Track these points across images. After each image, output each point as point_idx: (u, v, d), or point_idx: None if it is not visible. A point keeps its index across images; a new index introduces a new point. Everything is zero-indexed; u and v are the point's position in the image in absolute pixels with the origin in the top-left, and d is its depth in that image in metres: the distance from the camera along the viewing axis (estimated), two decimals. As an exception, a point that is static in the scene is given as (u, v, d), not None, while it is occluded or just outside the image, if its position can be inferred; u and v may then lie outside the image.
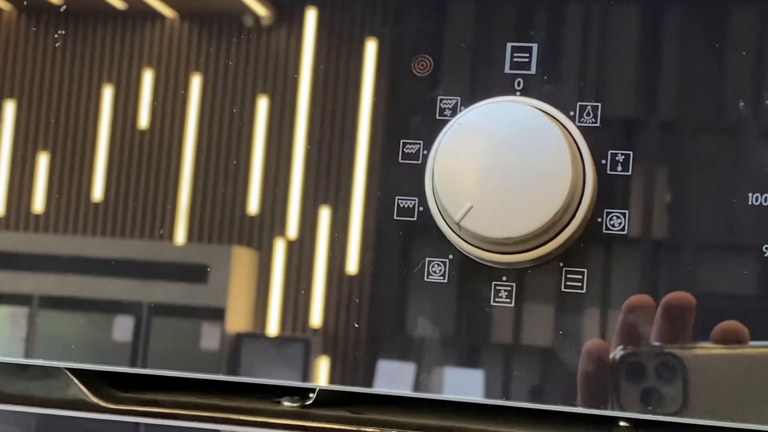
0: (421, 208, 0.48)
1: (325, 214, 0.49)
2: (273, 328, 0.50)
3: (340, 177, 0.49)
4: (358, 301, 0.49)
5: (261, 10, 0.52)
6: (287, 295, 0.50)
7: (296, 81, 0.50)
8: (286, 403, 0.50)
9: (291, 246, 0.50)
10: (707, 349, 0.45)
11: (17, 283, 0.53)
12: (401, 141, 0.48)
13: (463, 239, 0.46)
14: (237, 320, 0.51)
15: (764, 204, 0.45)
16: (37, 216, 0.53)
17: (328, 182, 0.50)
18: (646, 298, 0.45)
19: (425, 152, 0.48)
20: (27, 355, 0.52)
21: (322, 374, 0.49)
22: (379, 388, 0.48)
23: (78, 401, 0.52)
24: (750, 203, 0.45)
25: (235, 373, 0.50)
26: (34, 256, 0.53)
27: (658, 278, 0.46)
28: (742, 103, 0.45)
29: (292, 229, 0.50)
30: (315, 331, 0.49)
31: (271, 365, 0.50)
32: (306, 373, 0.50)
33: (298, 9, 0.51)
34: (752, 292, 0.45)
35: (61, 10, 0.53)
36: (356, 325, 0.49)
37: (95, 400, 0.51)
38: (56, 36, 0.53)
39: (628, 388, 0.45)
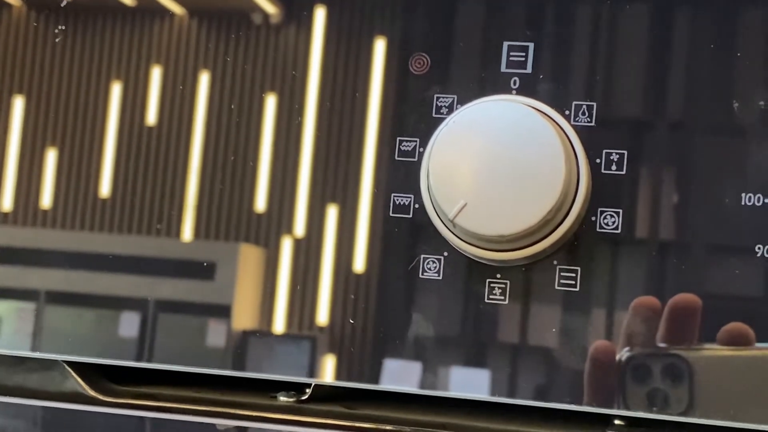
0: (416, 206, 0.48)
1: (332, 213, 0.50)
2: (279, 325, 0.50)
3: (348, 175, 0.50)
4: (353, 297, 0.49)
5: (270, 8, 0.52)
6: (294, 292, 0.50)
7: (305, 79, 0.50)
8: (282, 398, 0.50)
9: (298, 244, 0.50)
10: (713, 350, 0.45)
11: (24, 279, 0.53)
12: (398, 138, 0.49)
13: (457, 236, 0.46)
14: (243, 317, 0.51)
15: (757, 204, 0.45)
16: (44, 212, 0.53)
17: (336, 180, 0.50)
18: (652, 299, 0.45)
19: (421, 150, 0.48)
20: (33, 351, 0.52)
21: (327, 372, 0.49)
22: (381, 385, 0.48)
23: (75, 394, 0.52)
24: (743, 203, 0.45)
25: (240, 369, 0.50)
26: (41, 251, 0.53)
27: (651, 277, 0.46)
28: (736, 104, 0.45)
29: (299, 227, 0.50)
30: (321, 329, 0.50)
31: (277, 363, 0.50)
32: (312, 371, 0.50)
33: (308, 7, 0.51)
34: (751, 293, 0.45)
35: (62, 5, 0.53)
36: (351, 321, 0.49)
37: (92, 393, 0.52)
38: (56, 31, 0.53)
39: (635, 389, 0.45)
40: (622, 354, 0.45)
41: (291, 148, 0.50)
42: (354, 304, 0.49)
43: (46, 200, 0.53)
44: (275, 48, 0.51)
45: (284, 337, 0.50)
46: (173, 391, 0.51)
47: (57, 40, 0.53)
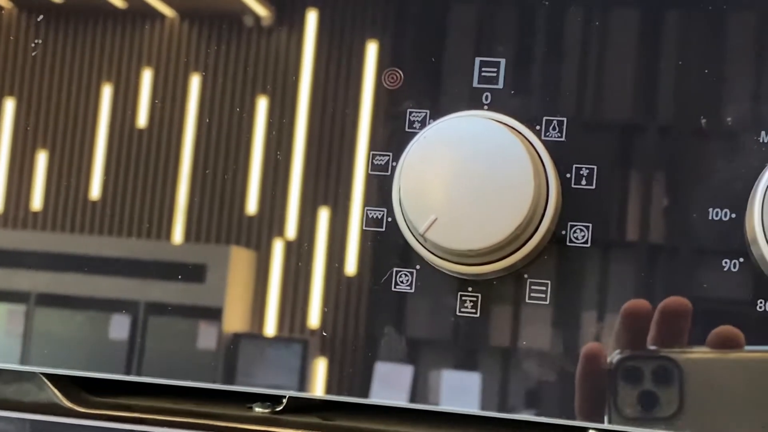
0: (389, 219, 0.48)
1: (324, 216, 0.50)
2: (270, 328, 0.50)
3: (338, 178, 0.50)
4: (327, 309, 0.49)
5: (261, 11, 0.52)
6: (285, 295, 0.50)
7: (296, 82, 0.50)
8: (258, 409, 0.50)
9: (289, 246, 0.50)
10: (703, 353, 0.45)
11: (14, 281, 0.53)
12: (371, 152, 0.49)
13: (428, 250, 0.46)
14: (234, 320, 0.51)
15: (724, 219, 0.45)
16: (35, 214, 0.53)
17: (327, 183, 0.50)
18: (643, 302, 0.46)
19: (394, 164, 0.48)
20: (23, 356, 0.52)
21: (319, 375, 0.49)
22: (369, 396, 0.48)
23: (52, 405, 0.52)
24: (710, 218, 0.45)
25: (231, 372, 0.50)
26: (32, 253, 0.53)
27: (621, 289, 0.46)
28: (704, 120, 0.46)
29: (291, 230, 0.50)
30: (313, 332, 0.50)
31: (268, 366, 0.50)
32: (303, 374, 0.50)
33: (299, 10, 0.51)
34: (717, 310, 0.45)
35: (38, 20, 0.53)
36: (324, 334, 0.49)
37: (69, 404, 0.51)
38: (33, 45, 0.53)
39: (626, 391, 0.45)
40: (613, 356, 0.46)
41: (282, 151, 0.50)
42: (336, 313, 0.49)
43: (37, 202, 0.53)
44: (266, 51, 0.51)
45: (275, 339, 0.50)
46: (150, 402, 0.51)
47: (34, 54, 0.53)
